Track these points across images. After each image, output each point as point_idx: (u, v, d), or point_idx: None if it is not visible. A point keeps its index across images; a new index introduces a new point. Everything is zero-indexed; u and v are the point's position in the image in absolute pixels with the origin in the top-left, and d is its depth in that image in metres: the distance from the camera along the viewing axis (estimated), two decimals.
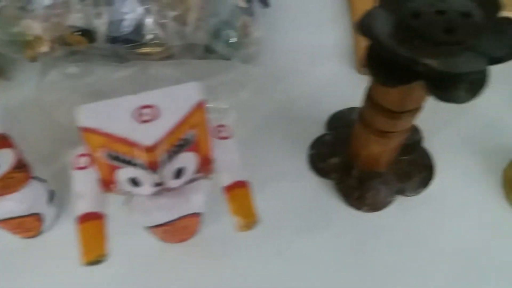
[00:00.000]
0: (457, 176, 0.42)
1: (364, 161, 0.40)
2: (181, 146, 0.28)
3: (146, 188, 0.29)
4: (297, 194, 0.41)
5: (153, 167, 0.27)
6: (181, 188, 0.31)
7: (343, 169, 0.41)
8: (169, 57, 0.44)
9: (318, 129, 0.45)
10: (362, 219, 0.40)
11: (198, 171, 0.30)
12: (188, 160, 0.29)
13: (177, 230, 0.35)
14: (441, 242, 0.39)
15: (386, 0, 0.28)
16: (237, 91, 0.43)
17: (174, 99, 0.27)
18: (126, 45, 0.43)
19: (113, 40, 0.43)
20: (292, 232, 0.39)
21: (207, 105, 0.43)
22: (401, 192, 0.40)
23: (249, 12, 0.49)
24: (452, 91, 0.27)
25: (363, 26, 0.27)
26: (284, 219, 0.40)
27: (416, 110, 0.33)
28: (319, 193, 0.41)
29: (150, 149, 0.26)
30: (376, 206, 0.40)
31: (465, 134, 0.45)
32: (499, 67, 0.49)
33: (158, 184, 0.28)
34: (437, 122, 0.45)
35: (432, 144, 0.44)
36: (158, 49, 0.43)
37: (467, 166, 0.43)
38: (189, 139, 0.28)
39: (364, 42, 0.28)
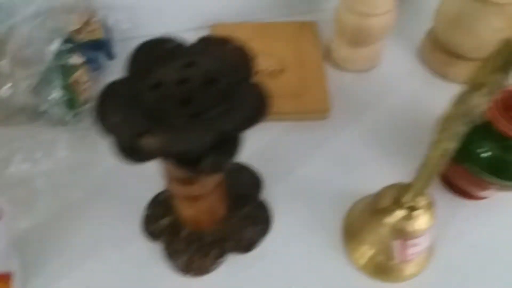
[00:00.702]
0: (296, 227, 0.40)
1: (189, 222, 0.38)
2: None
3: None
4: (124, 263, 0.38)
5: None
6: None
7: (172, 231, 0.39)
8: None
9: (161, 186, 0.42)
10: (190, 285, 0.37)
11: None
12: None
13: None
14: None
15: (133, 69, 0.27)
16: (62, 151, 0.40)
17: None
18: None
19: None
20: None
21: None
22: (233, 250, 0.38)
23: (92, 66, 0.47)
24: (196, 164, 0.25)
25: (96, 102, 0.25)
26: None
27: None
28: (147, 260, 0.38)
29: None
30: (204, 269, 0.37)
31: (310, 180, 0.43)
32: (356, 105, 0.49)
33: None
34: (279, 169, 0.43)
35: (272, 194, 0.42)
36: None
37: (308, 216, 0.41)
38: None
39: None
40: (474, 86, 0.23)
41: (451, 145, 0.27)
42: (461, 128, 0.25)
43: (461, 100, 0.23)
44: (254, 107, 0.25)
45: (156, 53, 0.27)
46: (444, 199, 0.42)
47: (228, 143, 0.26)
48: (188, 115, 0.25)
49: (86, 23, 0.48)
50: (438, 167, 0.29)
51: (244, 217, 0.40)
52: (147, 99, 0.25)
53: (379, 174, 0.43)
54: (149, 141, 0.23)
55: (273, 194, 0.42)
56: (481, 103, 0.24)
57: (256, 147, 0.45)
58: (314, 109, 0.47)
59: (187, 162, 0.25)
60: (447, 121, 0.24)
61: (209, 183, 0.32)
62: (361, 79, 0.51)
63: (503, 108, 0.35)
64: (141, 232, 0.40)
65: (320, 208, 0.41)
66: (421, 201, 0.33)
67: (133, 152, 0.24)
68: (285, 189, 0.42)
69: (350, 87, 0.50)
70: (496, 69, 0.23)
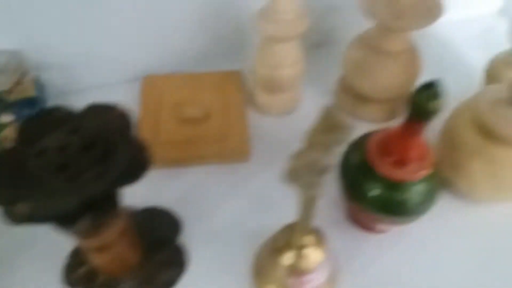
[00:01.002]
0: (212, 268, 0.43)
1: (101, 270, 0.40)
2: None
3: None
4: None
5: None
6: None
7: (89, 279, 0.41)
8: None
9: None
10: None
11: None
12: None
13: None
14: None
15: (22, 138, 0.30)
16: None
17: None
18: None
19: None
20: None
21: None
22: None
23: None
24: (76, 223, 0.28)
25: None
26: None
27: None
28: None
29: None
30: None
31: (228, 221, 0.46)
32: (275, 147, 0.52)
33: None
34: (200, 212, 0.46)
35: (191, 236, 0.44)
36: None
37: (223, 257, 0.43)
38: None
39: None
40: (309, 144, 0.27)
41: (313, 192, 0.30)
42: (314, 179, 0.29)
43: (298, 156, 0.27)
44: (127, 169, 0.28)
45: (45, 122, 0.30)
46: (350, 233, 0.45)
47: (104, 201, 0.28)
48: (64, 180, 0.27)
49: (18, 83, 0.51)
50: (312, 209, 0.32)
51: (160, 262, 0.42)
52: (31, 166, 0.28)
53: (294, 214, 0.46)
54: (20, 208, 0.26)
55: (191, 236, 0.45)
56: (320, 159, 0.27)
57: (179, 190, 0.48)
58: (235, 152, 0.50)
59: (66, 222, 0.28)
60: (291, 174, 0.27)
61: (111, 233, 0.35)
62: (280, 123, 0.55)
63: (380, 151, 0.38)
64: (61, 281, 0.42)
65: (236, 248, 0.44)
66: (309, 239, 0.36)
67: (11, 217, 0.26)
68: (204, 231, 0.45)
69: (270, 131, 0.54)
70: (324, 131, 0.26)
